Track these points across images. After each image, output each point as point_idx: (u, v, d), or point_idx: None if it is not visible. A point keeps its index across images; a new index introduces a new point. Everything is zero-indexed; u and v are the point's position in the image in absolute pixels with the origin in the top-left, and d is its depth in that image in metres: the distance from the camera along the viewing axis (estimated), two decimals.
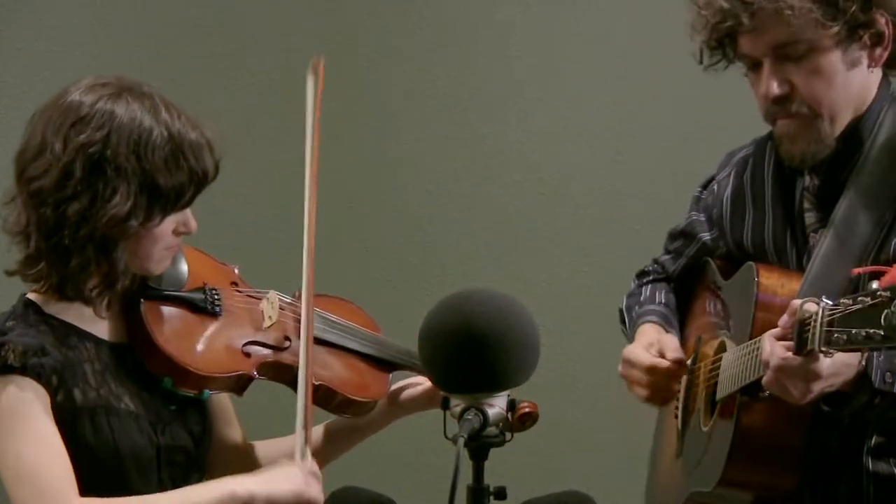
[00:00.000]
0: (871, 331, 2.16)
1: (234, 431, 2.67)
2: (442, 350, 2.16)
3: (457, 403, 2.15)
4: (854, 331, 2.19)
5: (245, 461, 2.67)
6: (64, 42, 4.10)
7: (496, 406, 2.15)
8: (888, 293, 2.15)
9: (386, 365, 2.67)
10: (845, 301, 2.21)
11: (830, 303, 2.24)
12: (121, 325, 2.47)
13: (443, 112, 4.15)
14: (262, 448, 2.73)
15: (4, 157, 3.98)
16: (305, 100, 2.63)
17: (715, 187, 2.79)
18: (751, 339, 2.51)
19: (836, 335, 2.21)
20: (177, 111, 2.41)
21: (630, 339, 2.78)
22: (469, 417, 2.11)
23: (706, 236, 2.82)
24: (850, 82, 2.49)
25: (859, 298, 2.20)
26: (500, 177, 4.13)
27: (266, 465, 2.65)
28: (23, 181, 2.39)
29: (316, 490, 2.40)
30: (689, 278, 2.89)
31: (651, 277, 2.93)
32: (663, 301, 2.86)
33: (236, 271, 2.66)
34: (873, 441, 2.52)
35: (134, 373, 2.44)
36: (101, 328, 2.44)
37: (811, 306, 2.27)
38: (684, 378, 2.78)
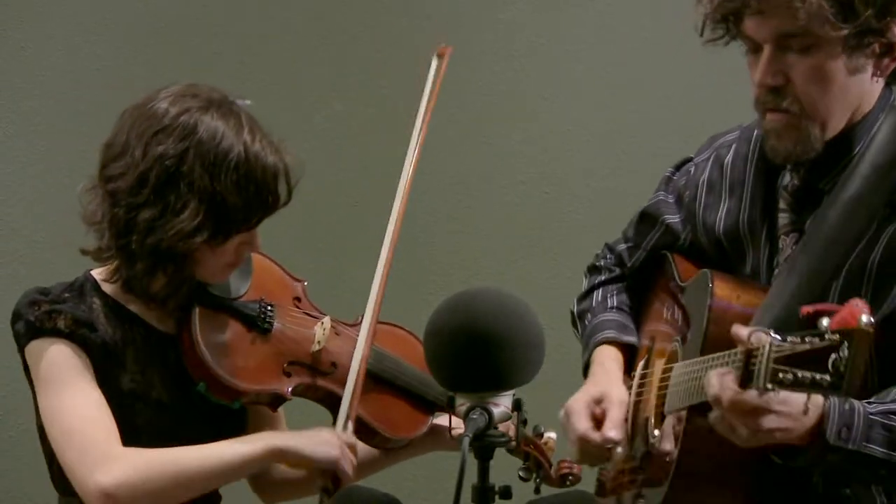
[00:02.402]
0: (819, 376, 2.07)
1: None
2: (447, 349, 2.16)
3: (462, 403, 2.15)
4: (801, 374, 2.08)
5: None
6: (68, 42, 4.09)
7: (501, 405, 2.14)
8: (837, 336, 2.06)
9: (428, 406, 2.69)
10: (793, 339, 2.11)
11: (779, 338, 2.13)
12: (172, 317, 2.52)
13: (447, 112, 4.15)
14: None
15: (12, 154, 4.04)
16: (425, 83, 2.71)
17: (692, 169, 2.70)
18: (701, 353, 2.41)
19: (781, 374, 2.10)
20: (260, 133, 2.46)
21: (584, 352, 2.71)
22: (474, 417, 2.11)
23: (671, 219, 2.72)
24: (849, 89, 2.40)
25: (807, 339, 2.10)
26: (506, 177, 4.14)
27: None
28: (103, 177, 2.46)
29: (349, 460, 2.47)
30: (649, 269, 2.78)
31: (603, 277, 2.83)
32: (615, 305, 2.78)
33: (303, 287, 2.69)
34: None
35: (175, 365, 2.50)
36: (153, 316, 2.51)
37: (760, 337, 2.16)
38: (636, 380, 2.68)
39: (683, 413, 2.43)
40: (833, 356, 2.05)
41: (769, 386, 2.10)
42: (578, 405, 2.50)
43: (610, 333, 2.70)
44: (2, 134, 4.03)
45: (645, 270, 2.76)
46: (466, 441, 2.07)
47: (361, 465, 2.67)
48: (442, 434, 2.70)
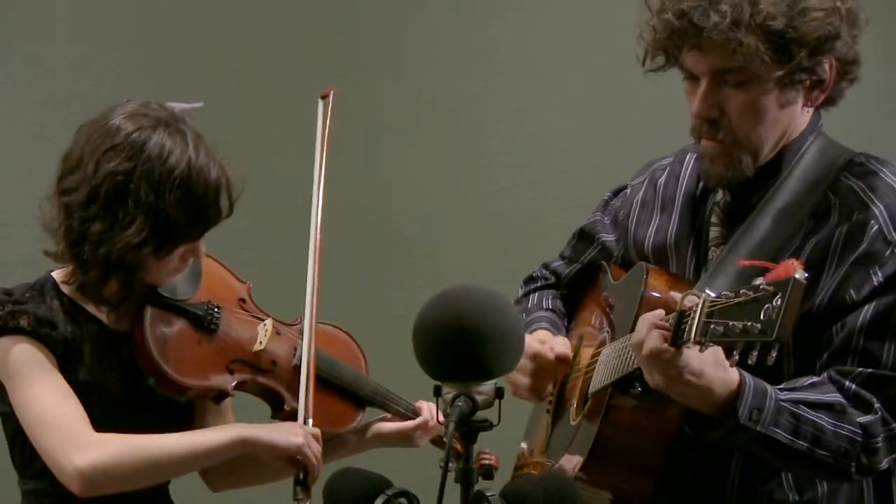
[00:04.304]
0: (749, 324, 2.08)
1: (225, 422, 2.79)
2: (435, 342, 2.19)
3: (448, 391, 2.19)
4: (731, 323, 2.10)
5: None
6: (56, 43, 4.20)
7: (484, 393, 2.18)
8: (771, 288, 2.08)
9: (359, 401, 2.81)
10: (728, 294, 2.14)
11: (713, 294, 2.17)
12: (126, 317, 2.62)
13: (436, 122, 4.25)
14: None
15: (17, 159, 4.12)
16: (317, 126, 2.78)
17: (627, 191, 2.79)
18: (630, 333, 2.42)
19: (713, 326, 2.13)
20: (204, 150, 2.54)
21: None
22: (460, 403, 2.16)
23: (606, 237, 2.80)
24: (780, 121, 2.44)
25: (742, 291, 2.12)
26: (491, 183, 4.26)
27: (252, 461, 2.72)
28: (59, 189, 2.55)
29: (314, 449, 2.56)
30: (582, 283, 2.85)
31: (539, 284, 2.91)
32: (550, 307, 2.85)
33: (248, 288, 2.79)
34: (740, 461, 2.48)
35: (127, 361, 2.62)
36: (107, 316, 2.60)
37: (693, 299, 2.20)
38: (559, 376, 2.74)
39: (609, 391, 2.46)
40: (766, 306, 2.08)
41: (700, 339, 2.16)
42: (527, 338, 2.53)
43: (543, 324, 2.79)
44: (5, 139, 4.15)
45: (578, 282, 2.86)
46: (452, 426, 2.13)
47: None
48: (373, 434, 2.84)
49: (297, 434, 2.59)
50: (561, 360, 2.67)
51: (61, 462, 2.47)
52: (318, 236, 2.75)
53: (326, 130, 2.81)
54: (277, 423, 2.66)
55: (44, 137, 4.12)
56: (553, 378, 2.71)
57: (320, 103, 2.84)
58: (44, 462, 2.54)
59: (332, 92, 2.84)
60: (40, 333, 2.53)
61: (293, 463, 2.60)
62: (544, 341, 2.70)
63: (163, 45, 4.23)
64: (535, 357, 2.66)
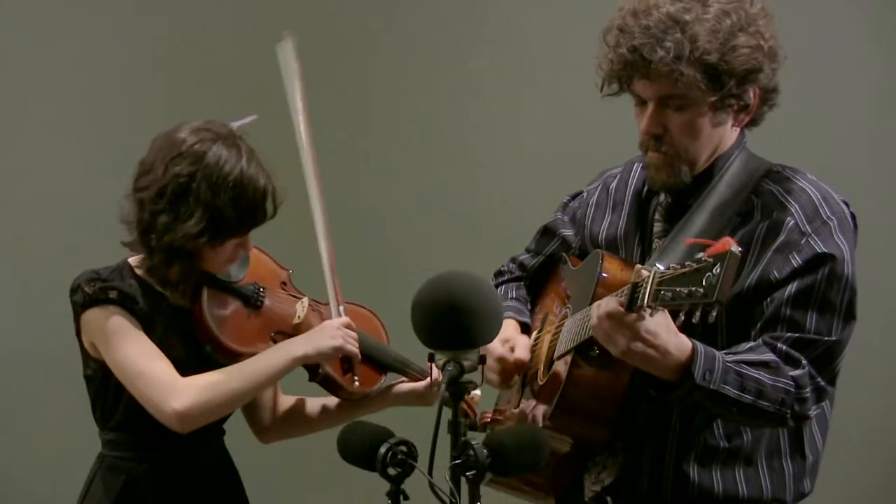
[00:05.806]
0: (693, 289, 2.32)
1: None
2: (429, 317, 2.39)
3: (440, 358, 2.39)
4: (678, 289, 2.34)
5: (277, 408, 3.15)
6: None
7: (470, 360, 2.39)
8: (711, 259, 2.32)
9: (381, 367, 3.07)
10: (675, 266, 2.39)
11: (662, 267, 2.40)
12: (186, 296, 2.97)
13: (429, 139, 4.53)
14: (296, 402, 3.17)
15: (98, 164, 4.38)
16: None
17: (584, 195, 3.06)
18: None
19: (662, 292, 2.36)
20: (255, 161, 2.87)
21: None
22: (450, 368, 2.37)
23: (566, 233, 3.06)
24: (712, 138, 2.72)
25: (687, 264, 2.36)
26: (473, 189, 4.56)
27: (295, 416, 3.15)
28: (135, 187, 2.91)
29: (352, 341, 2.84)
30: (545, 271, 3.10)
31: (505, 278, 3.13)
32: (514, 296, 3.08)
33: (288, 274, 3.08)
34: (679, 414, 2.71)
35: (189, 332, 2.94)
36: (171, 295, 2.96)
37: (645, 272, 2.43)
38: (530, 342, 2.95)
39: (570, 356, 2.68)
40: (707, 274, 2.31)
41: (651, 304, 2.38)
42: (493, 342, 2.74)
43: (509, 313, 3.02)
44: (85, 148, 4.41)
45: (541, 273, 3.12)
46: (444, 386, 2.34)
47: (329, 415, 3.11)
48: (392, 393, 3.09)
49: (334, 336, 2.90)
50: (519, 364, 2.90)
51: (162, 407, 2.78)
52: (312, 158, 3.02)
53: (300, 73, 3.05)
54: (314, 331, 2.93)
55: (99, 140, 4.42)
56: (517, 373, 2.92)
57: (282, 50, 3.04)
58: (122, 416, 2.88)
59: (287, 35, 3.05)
60: (126, 304, 2.85)
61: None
62: (507, 340, 2.91)
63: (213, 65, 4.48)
64: (500, 360, 2.89)
